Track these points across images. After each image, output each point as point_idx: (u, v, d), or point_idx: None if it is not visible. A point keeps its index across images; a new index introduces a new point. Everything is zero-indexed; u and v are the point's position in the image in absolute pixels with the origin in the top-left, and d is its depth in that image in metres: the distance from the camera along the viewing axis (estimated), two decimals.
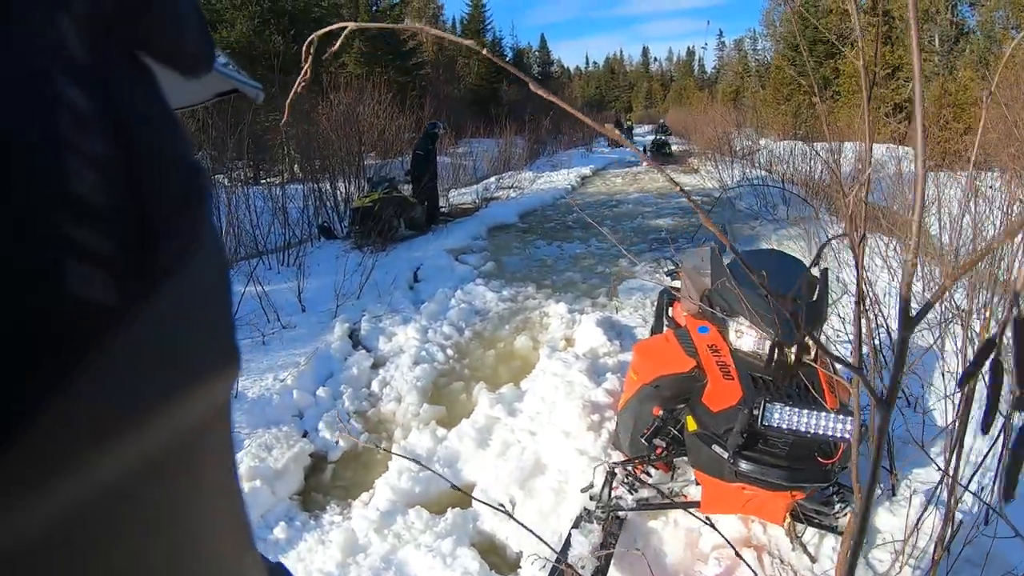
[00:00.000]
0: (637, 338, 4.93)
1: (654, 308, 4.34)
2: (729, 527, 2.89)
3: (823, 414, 2.33)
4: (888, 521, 2.78)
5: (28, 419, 0.19)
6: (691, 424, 2.68)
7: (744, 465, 2.42)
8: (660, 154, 19.49)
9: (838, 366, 2.93)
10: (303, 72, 0.75)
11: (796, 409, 2.36)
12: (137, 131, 0.25)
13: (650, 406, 3.01)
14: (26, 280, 0.19)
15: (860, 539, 1.24)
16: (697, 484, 2.83)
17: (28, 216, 0.19)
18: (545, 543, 1.89)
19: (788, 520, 2.74)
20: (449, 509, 3.18)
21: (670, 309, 3.94)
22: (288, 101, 0.82)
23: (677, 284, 3.90)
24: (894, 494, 2.93)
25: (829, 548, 2.76)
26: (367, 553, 2.94)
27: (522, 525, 1.93)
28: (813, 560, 2.71)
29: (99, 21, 0.24)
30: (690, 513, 2.70)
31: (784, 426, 2.34)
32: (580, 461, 3.33)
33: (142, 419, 0.24)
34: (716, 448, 2.51)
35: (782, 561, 2.74)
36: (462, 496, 3.32)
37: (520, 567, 2.91)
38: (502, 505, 1.99)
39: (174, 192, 0.27)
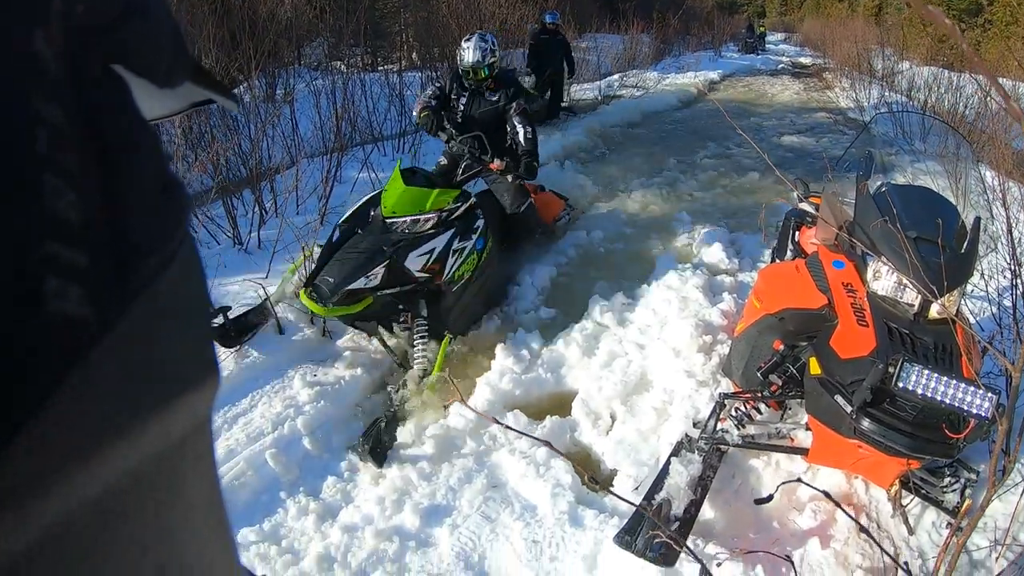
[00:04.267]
0: (757, 259, 4.65)
1: (778, 230, 4.06)
2: (830, 480, 2.74)
3: (962, 385, 2.11)
4: (993, 505, 2.53)
5: (6, 438, 0.19)
6: (814, 367, 2.49)
7: (867, 424, 2.24)
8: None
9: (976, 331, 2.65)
10: None
11: (935, 375, 2.14)
12: (113, 146, 0.25)
13: (771, 339, 2.82)
14: (2, 296, 0.19)
15: None
16: (807, 430, 2.65)
17: (4, 232, 0.19)
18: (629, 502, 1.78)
19: (896, 486, 2.54)
20: (548, 417, 3.12)
21: (796, 234, 3.67)
22: None
23: (807, 207, 3.61)
24: (1004, 475, 2.66)
25: (929, 522, 2.58)
26: (460, 453, 2.93)
27: (608, 490, 1.82)
28: (911, 532, 2.53)
29: (74, 36, 0.24)
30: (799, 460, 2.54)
31: (919, 391, 2.14)
32: (687, 383, 3.20)
33: (121, 434, 0.23)
34: (839, 399, 2.33)
35: (879, 526, 2.57)
36: (562, 403, 3.27)
37: (613, 485, 2.83)
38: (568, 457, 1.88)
39: (151, 207, 0.27)
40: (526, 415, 3.14)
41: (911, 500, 2.60)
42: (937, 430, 2.20)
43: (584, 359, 3.57)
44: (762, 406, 2.85)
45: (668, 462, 2.67)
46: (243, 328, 3.38)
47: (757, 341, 2.92)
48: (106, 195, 0.23)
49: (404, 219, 3.50)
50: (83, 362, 0.21)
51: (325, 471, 2.83)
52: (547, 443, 1.40)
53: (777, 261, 3.73)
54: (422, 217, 3.54)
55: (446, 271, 3.60)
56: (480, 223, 3.91)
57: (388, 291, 3.42)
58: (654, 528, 2.36)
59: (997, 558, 2.41)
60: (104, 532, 0.23)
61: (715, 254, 4.66)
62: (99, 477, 0.22)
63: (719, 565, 2.28)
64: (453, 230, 3.68)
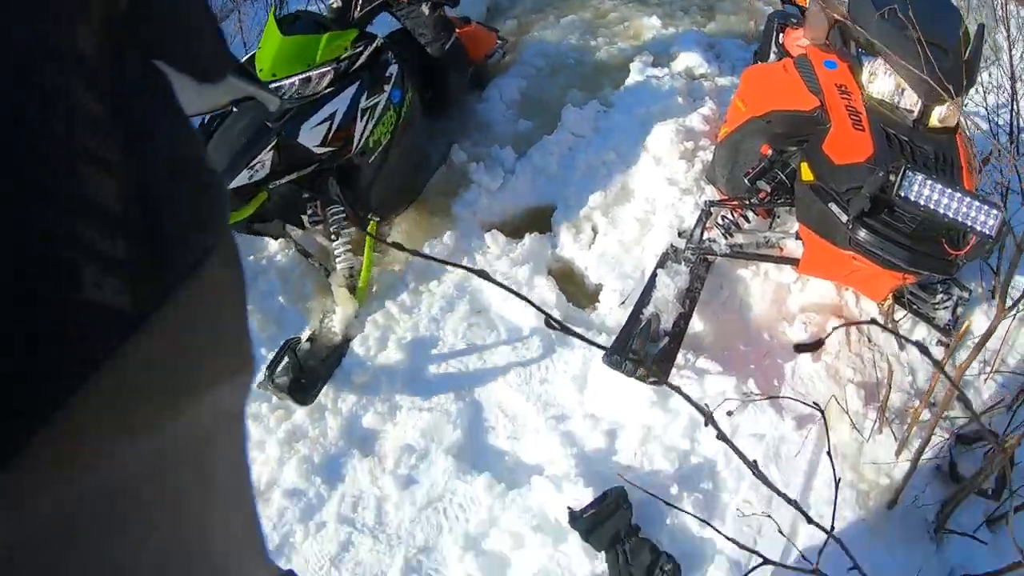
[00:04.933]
0: (737, 62, 4.32)
1: (761, 31, 3.76)
2: (819, 289, 2.69)
3: (967, 199, 1.97)
4: (983, 325, 2.44)
5: (41, 421, 0.19)
6: (805, 173, 2.34)
7: (863, 234, 2.11)
8: None
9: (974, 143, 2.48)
10: None
11: (939, 186, 1.99)
12: (152, 138, 0.25)
13: (757, 142, 2.66)
14: (41, 283, 0.20)
15: None
16: (797, 239, 2.55)
17: (43, 221, 0.20)
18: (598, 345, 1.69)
19: (889, 301, 2.50)
20: (527, 234, 3.02)
21: (780, 36, 3.39)
22: None
23: (791, 8, 3.33)
24: (993, 297, 2.61)
25: (919, 339, 2.54)
26: (440, 281, 2.85)
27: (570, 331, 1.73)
28: (901, 347, 2.52)
29: (117, 30, 0.25)
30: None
31: (922, 202, 1.99)
32: (669, 192, 3.06)
33: (150, 421, 0.24)
34: (833, 207, 2.20)
35: (870, 340, 2.55)
36: (541, 218, 3.17)
37: (599, 301, 2.80)
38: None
39: (189, 202, 0.27)
40: (504, 234, 3.03)
41: (903, 316, 2.58)
42: (936, 245, 2.09)
43: (561, 171, 3.39)
44: (750, 214, 2.74)
45: (654, 274, 2.60)
46: None
47: (742, 145, 2.76)
48: (146, 187, 0.24)
49: (290, 80, 2.58)
50: (118, 351, 0.22)
51: (302, 322, 2.74)
52: (529, 300, 1.29)
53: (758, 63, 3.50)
54: (313, 73, 2.61)
55: (356, 139, 2.74)
56: (393, 69, 2.96)
57: (285, 180, 2.61)
58: (643, 346, 2.34)
59: (986, 379, 2.42)
60: (126, 513, 0.23)
61: (692, 59, 4.25)
62: (128, 461, 0.23)
63: (726, 408, 2.27)
64: (358, 83, 2.76)
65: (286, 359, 2.45)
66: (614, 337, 2.43)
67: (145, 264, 0.23)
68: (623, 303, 2.68)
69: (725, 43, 4.56)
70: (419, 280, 2.83)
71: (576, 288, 2.91)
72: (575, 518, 2.05)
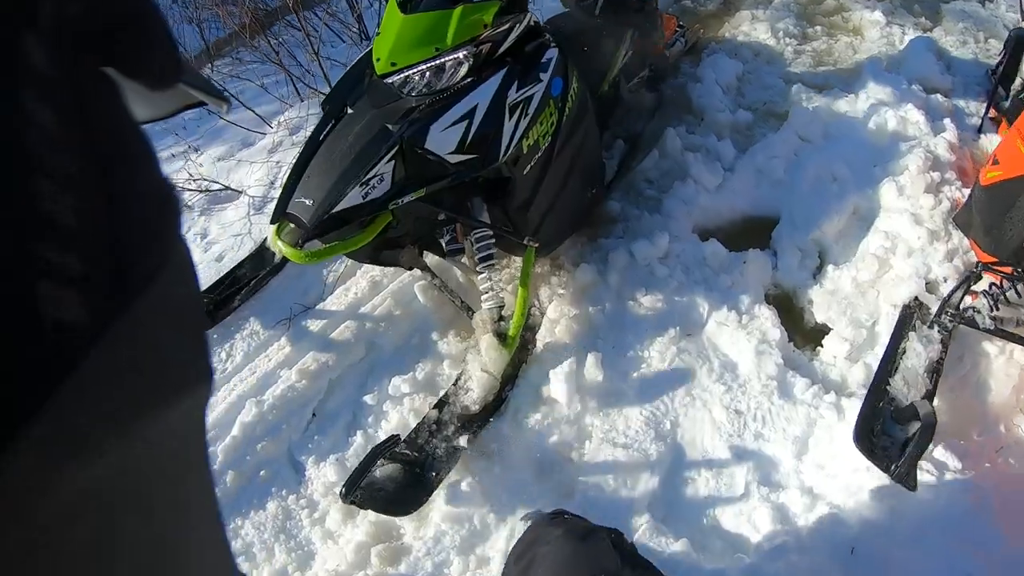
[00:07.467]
0: (972, 76, 3.66)
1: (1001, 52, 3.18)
2: None
3: None
4: None
5: (7, 438, 0.19)
6: None
7: None
8: None
9: None
10: None
11: None
12: (106, 149, 0.24)
13: None
14: None
15: None
16: None
17: None
18: None
19: None
20: (749, 249, 2.65)
21: None
22: None
23: None
24: None
25: None
26: (648, 288, 2.50)
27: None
28: None
29: (67, 37, 0.24)
30: None
31: None
32: (914, 231, 2.58)
33: (113, 434, 0.23)
34: None
35: None
36: (760, 230, 2.83)
37: (821, 345, 2.42)
38: None
39: (144, 211, 0.26)
40: (721, 243, 2.65)
41: None
42: None
43: (787, 178, 2.95)
44: (1020, 286, 2.27)
45: (900, 335, 2.24)
46: (226, 297, 2.62)
47: (1021, 199, 2.27)
48: (99, 199, 0.23)
49: (416, 70, 2.00)
50: (77, 366, 0.21)
51: (438, 381, 2.38)
52: None
53: (1000, 89, 2.98)
54: (445, 60, 2.01)
55: (504, 144, 2.07)
56: (552, 53, 2.24)
57: (411, 197, 1.97)
58: (894, 430, 2.02)
59: None
60: (100, 534, 0.23)
61: (924, 68, 3.61)
62: (92, 475, 0.22)
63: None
64: (504, 71, 2.10)
65: (378, 470, 1.98)
66: (850, 401, 2.11)
67: (104, 278, 0.22)
68: (848, 356, 2.34)
69: (955, 55, 3.91)
70: (623, 283, 2.52)
71: (794, 323, 2.52)
72: None
